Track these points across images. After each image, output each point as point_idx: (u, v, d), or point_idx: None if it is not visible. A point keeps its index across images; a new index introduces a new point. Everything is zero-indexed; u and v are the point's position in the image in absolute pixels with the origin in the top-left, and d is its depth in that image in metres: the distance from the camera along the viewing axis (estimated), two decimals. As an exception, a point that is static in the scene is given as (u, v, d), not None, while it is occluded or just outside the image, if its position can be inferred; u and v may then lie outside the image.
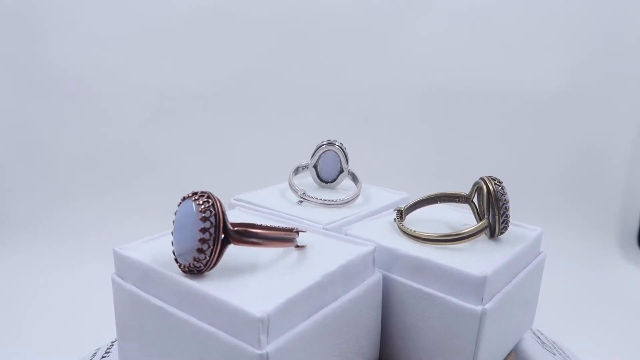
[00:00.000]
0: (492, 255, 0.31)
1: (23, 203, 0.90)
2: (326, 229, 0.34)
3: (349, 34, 0.93)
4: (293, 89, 0.94)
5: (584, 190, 0.94)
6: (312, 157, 0.43)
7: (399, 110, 0.94)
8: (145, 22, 0.91)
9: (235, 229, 0.25)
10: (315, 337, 0.25)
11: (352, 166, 0.45)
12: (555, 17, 0.90)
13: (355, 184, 0.44)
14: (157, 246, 0.30)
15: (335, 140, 0.43)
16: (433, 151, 0.94)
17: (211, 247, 0.24)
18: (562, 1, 0.90)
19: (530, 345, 0.39)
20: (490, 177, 0.33)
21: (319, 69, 0.94)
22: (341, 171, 0.44)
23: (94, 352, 0.40)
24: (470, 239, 0.31)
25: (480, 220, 0.33)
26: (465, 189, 0.37)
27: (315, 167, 0.44)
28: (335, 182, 0.44)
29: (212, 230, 0.24)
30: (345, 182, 0.46)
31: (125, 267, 0.28)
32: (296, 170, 0.44)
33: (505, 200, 0.32)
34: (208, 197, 0.25)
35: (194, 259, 0.25)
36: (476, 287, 0.27)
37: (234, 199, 0.41)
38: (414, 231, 0.32)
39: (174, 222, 0.26)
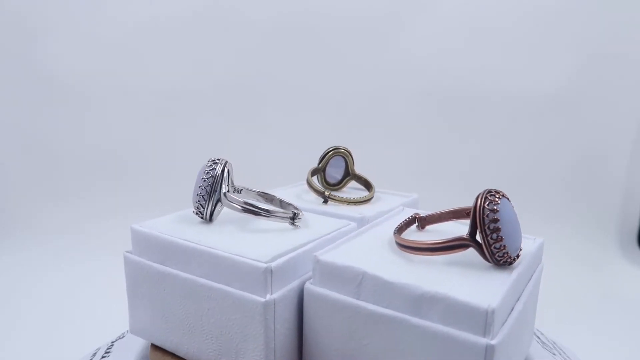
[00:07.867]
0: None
1: (23, 202, 0.90)
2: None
3: (349, 35, 0.93)
4: (293, 90, 0.94)
5: (584, 190, 0.94)
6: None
7: (399, 111, 0.94)
8: (145, 23, 0.91)
9: None
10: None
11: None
12: (555, 18, 0.90)
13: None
14: None
15: (221, 158, 0.36)
16: (432, 152, 0.94)
17: None
18: (562, 2, 0.90)
19: (530, 345, 0.39)
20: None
21: (318, 70, 0.94)
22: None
23: (94, 352, 0.40)
24: None
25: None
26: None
27: None
28: None
29: None
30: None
31: None
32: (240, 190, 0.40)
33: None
34: (494, 191, 0.28)
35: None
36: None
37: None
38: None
39: (498, 224, 0.26)
